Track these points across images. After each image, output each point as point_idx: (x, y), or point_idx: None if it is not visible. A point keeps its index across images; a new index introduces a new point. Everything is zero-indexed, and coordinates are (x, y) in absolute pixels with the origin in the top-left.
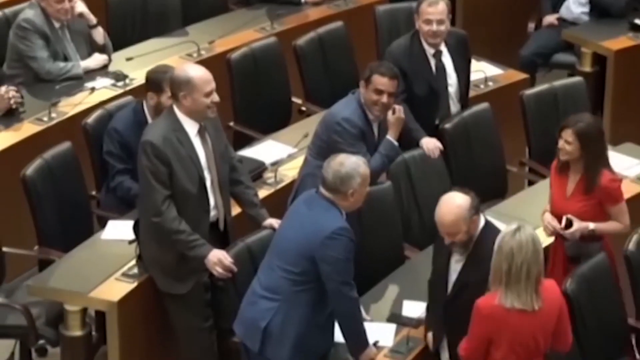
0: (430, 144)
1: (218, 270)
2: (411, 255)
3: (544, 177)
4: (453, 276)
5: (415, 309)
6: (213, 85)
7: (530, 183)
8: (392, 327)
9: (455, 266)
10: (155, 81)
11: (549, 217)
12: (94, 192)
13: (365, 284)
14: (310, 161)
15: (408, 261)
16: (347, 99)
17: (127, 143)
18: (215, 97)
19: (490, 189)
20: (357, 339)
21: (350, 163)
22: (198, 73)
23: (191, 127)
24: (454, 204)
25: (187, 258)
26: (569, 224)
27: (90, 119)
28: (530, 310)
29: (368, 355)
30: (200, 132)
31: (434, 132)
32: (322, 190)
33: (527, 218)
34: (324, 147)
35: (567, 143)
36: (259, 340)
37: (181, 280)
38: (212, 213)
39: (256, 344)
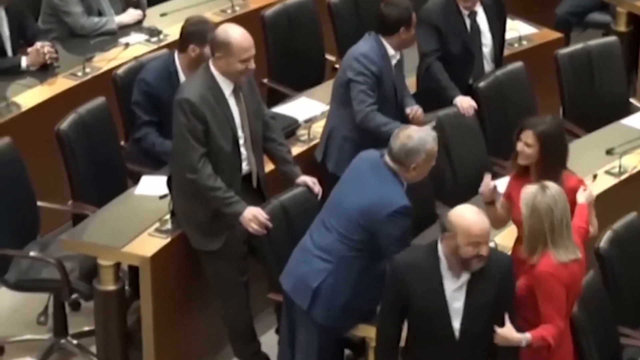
0: (465, 103)
1: (253, 227)
2: (442, 213)
3: (578, 136)
4: (456, 304)
5: None
6: (251, 52)
7: None
8: None
9: (456, 294)
10: (198, 33)
11: None
12: (122, 143)
13: None
14: (334, 112)
15: (438, 219)
16: (364, 39)
17: (155, 95)
18: (251, 65)
19: None
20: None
21: (419, 138)
22: (238, 38)
23: (226, 86)
24: (481, 212)
25: (219, 215)
26: None
27: (120, 70)
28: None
29: None
30: (235, 92)
31: (468, 92)
32: (387, 158)
33: None
34: (343, 94)
35: (526, 145)
36: (309, 299)
37: (213, 237)
38: (245, 170)
39: (305, 301)
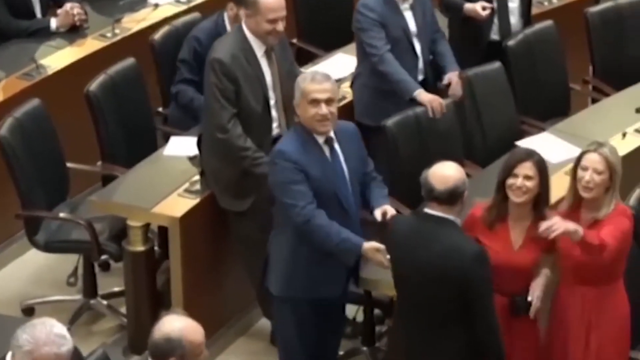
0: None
1: None
2: (472, 172)
3: (607, 95)
4: None
5: None
6: (279, 14)
7: (594, 101)
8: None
9: None
10: None
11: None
12: (160, 109)
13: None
14: (357, 65)
15: (469, 179)
16: None
17: (203, 54)
18: (279, 27)
19: (553, 106)
20: (333, 249)
21: (300, 76)
22: None
23: (258, 47)
24: None
25: (247, 175)
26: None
27: (157, 35)
28: None
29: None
30: (267, 53)
31: (489, 49)
32: None
33: (590, 136)
34: (358, 45)
35: (527, 179)
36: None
37: (242, 197)
38: (275, 132)
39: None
